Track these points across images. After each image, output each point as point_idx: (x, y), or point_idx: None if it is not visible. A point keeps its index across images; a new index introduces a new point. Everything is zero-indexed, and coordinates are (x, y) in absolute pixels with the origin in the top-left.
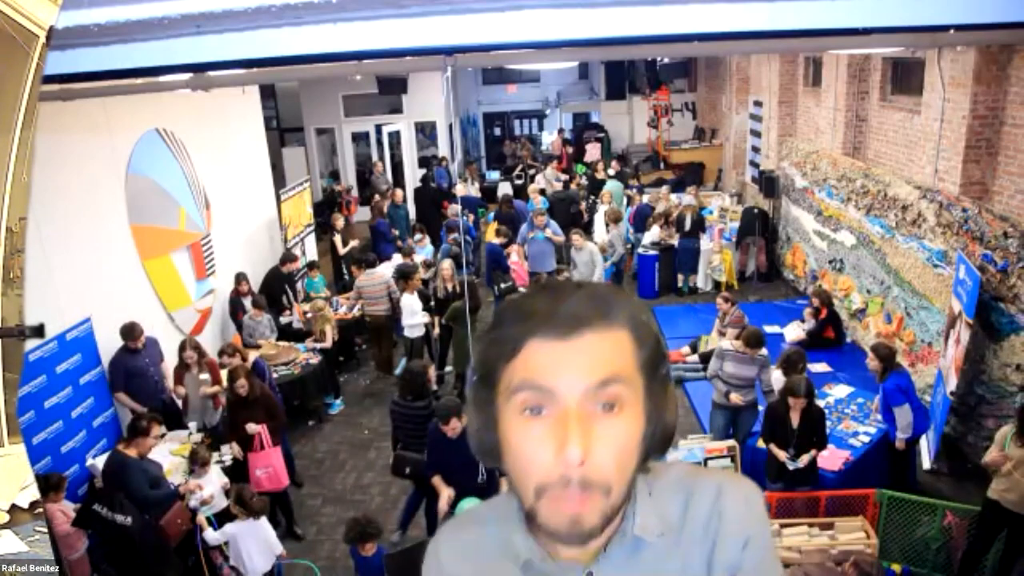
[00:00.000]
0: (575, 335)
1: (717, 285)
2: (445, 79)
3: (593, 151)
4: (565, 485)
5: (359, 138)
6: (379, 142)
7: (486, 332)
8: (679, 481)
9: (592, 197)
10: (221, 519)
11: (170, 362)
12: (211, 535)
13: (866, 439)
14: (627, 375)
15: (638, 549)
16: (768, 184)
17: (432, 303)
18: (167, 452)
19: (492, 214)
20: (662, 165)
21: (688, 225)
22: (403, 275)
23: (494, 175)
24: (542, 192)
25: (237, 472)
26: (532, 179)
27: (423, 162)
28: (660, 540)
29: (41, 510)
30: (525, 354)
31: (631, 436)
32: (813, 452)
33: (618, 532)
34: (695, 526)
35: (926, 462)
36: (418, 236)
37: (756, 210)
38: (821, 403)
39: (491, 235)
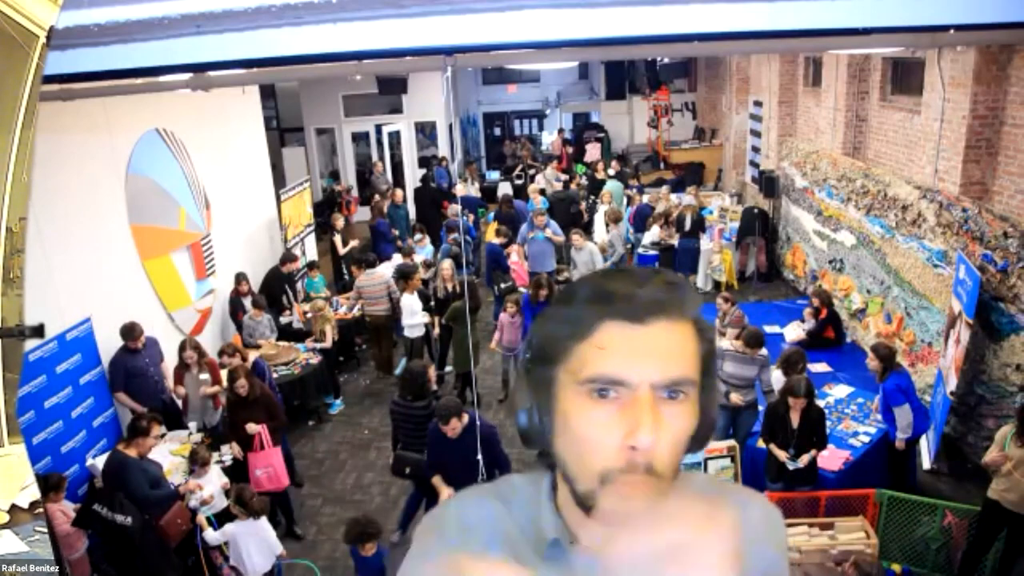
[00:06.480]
0: (651, 321)
1: (717, 285)
2: (445, 79)
3: (593, 151)
4: (632, 471)
5: (359, 138)
6: (379, 142)
7: (552, 309)
8: (703, 489)
9: (592, 197)
10: (221, 519)
11: (170, 362)
12: (211, 535)
13: (866, 439)
14: (693, 367)
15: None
16: (768, 184)
17: (432, 303)
18: (167, 452)
19: (492, 214)
20: (662, 165)
21: (688, 225)
22: (403, 275)
23: (494, 175)
24: (542, 192)
25: (237, 472)
26: (532, 179)
27: (423, 162)
28: (680, 544)
29: (41, 510)
30: (599, 335)
31: (689, 426)
32: (813, 452)
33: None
34: (716, 536)
35: (926, 462)
36: (418, 236)
37: (756, 210)
38: (821, 403)
39: (491, 235)
